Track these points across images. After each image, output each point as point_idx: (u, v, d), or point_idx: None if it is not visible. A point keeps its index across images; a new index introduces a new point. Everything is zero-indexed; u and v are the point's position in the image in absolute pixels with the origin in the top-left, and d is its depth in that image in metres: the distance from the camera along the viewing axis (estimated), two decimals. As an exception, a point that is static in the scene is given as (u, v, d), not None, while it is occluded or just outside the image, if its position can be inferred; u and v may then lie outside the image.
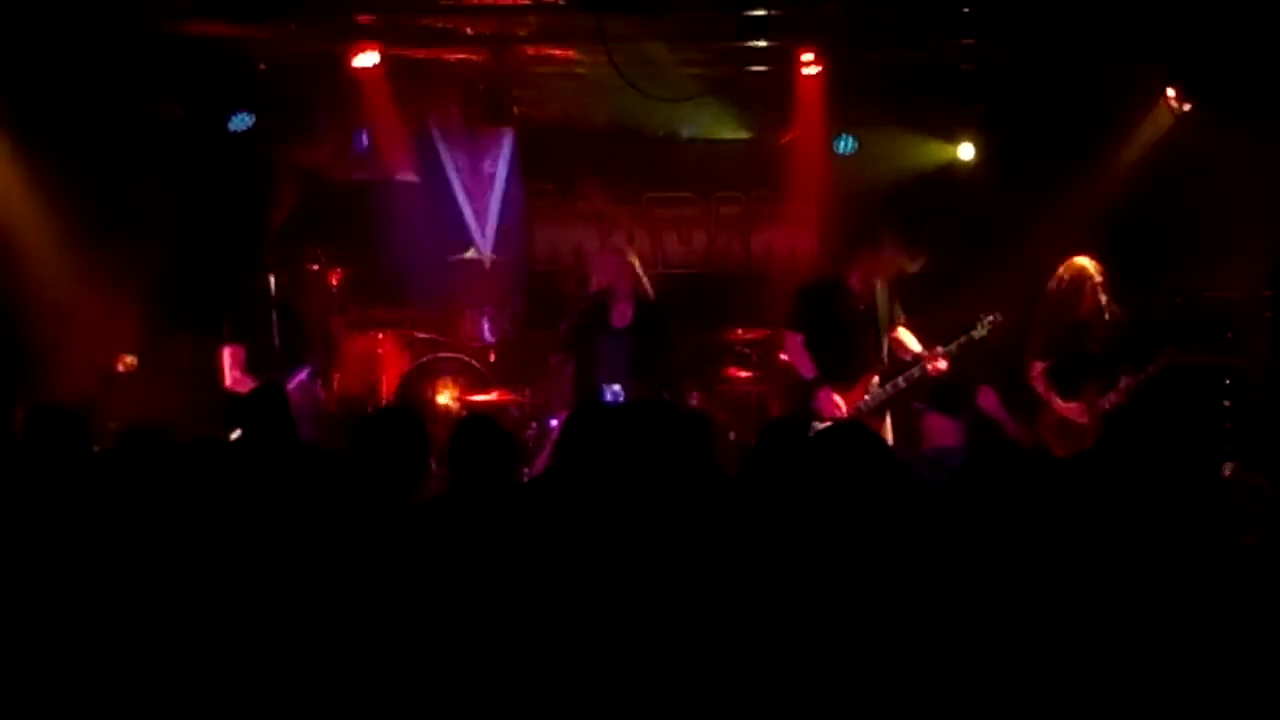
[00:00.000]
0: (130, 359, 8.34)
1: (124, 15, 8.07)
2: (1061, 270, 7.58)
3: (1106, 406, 7.27)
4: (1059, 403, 7.46)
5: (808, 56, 8.94)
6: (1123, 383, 7.26)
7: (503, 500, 4.28)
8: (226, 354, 7.20)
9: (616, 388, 7.62)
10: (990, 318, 7.33)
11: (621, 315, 7.71)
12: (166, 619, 3.60)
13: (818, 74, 9.03)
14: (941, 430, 6.85)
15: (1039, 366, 7.51)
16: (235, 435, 6.82)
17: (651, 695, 3.35)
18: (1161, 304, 8.86)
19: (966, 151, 9.65)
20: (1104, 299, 7.44)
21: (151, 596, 3.65)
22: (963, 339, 7.29)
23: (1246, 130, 8.34)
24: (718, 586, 3.52)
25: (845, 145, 9.61)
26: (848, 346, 7.31)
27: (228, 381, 7.20)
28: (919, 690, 3.19)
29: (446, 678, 3.50)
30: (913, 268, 7.60)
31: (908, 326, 7.56)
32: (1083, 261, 7.54)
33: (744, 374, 9.29)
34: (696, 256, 10.56)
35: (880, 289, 7.48)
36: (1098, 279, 7.46)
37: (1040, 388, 7.48)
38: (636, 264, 7.82)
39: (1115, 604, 3.33)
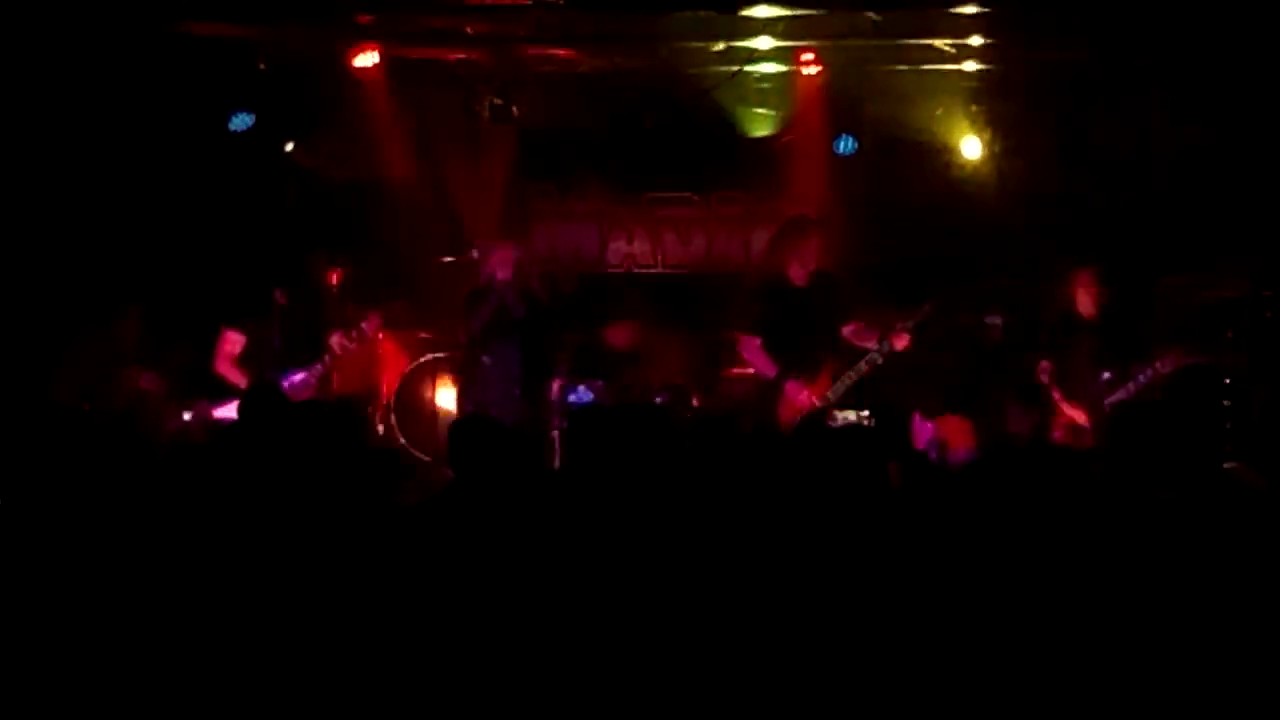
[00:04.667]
0: (151, 376, 8.33)
1: (124, 15, 8.07)
2: (1065, 273, 7.60)
3: (1114, 401, 7.27)
4: (1063, 404, 7.48)
5: (808, 56, 8.95)
6: (1134, 378, 7.26)
7: (503, 498, 4.28)
8: (227, 337, 7.18)
9: (582, 389, 7.65)
10: (939, 297, 7.38)
11: (516, 308, 7.85)
12: (170, 618, 3.61)
13: (818, 74, 9.04)
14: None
15: (1045, 367, 7.53)
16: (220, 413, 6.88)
17: (650, 693, 3.35)
18: (1161, 304, 8.86)
19: (971, 149, 9.61)
20: (1105, 301, 7.45)
21: (156, 594, 3.66)
22: (919, 316, 7.30)
23: (1246, 130, 8.36)
24: (718, 585, 3.53)
25: (845, 145, 9.60)
26: (803, 340, 7.33)
27: (219, 365, 7.18)
28: (919, 687, 3.19)
29: (447, 676, 3.51)
30: (830, 254, 7.63)
31: (860, 321, 7.54)
32: (1085, 264, 7.56)
33: (744, 374, 9.28)
34: (696, 256, 10.56)
35: (824, 279, 7.48)
36: (1100, 281, 7.47)
37: (1048, 388, 7.50)
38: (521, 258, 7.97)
39: (1116, 602, 3.34)
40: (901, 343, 7.21)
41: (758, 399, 7.53)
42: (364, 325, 7.39)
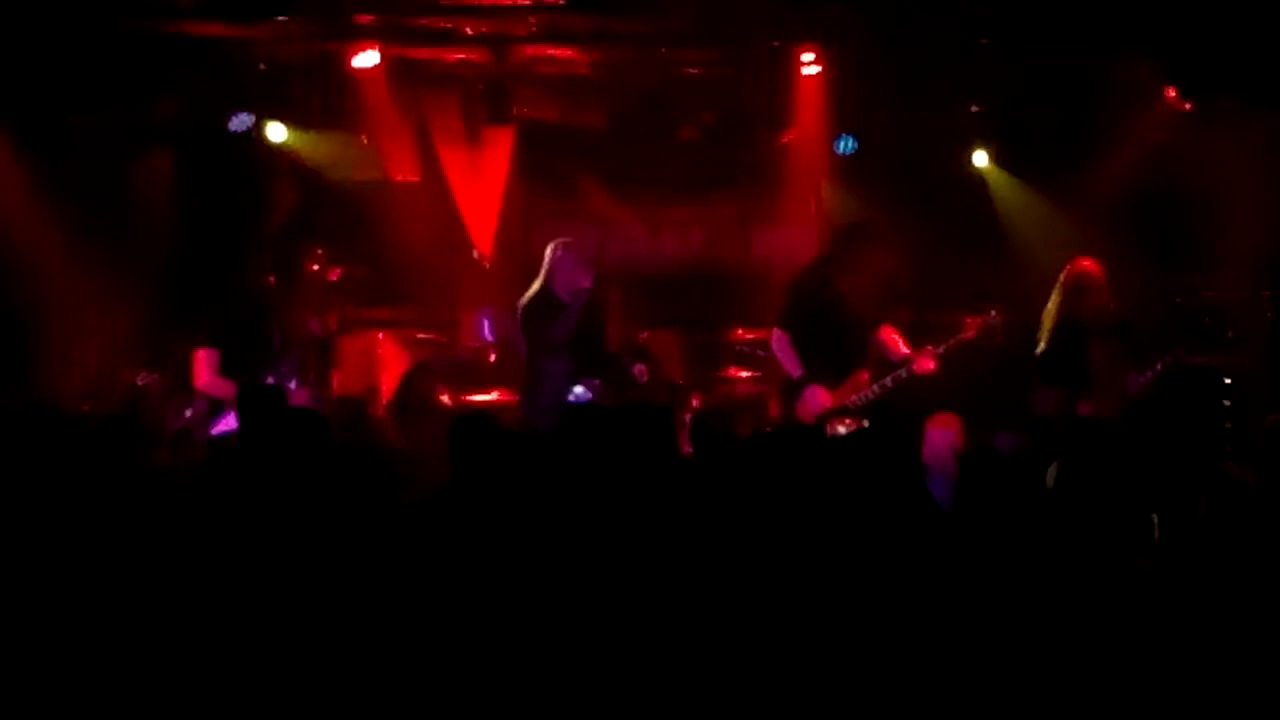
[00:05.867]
0: (147, 374, 8.33)
1: (124, 15, 8.08)
2: (1064, 272, 7.59)
3: (1133, 389, 7.25)
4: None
5: (808, 56, 8.96)
6: (1151, 370, 7.25)
7: (504, 497, 4.28)
8: (200, 356, 7.13)
9: (581, 388, 7.57)
10: (981, 319, 7.32)
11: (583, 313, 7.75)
12: (169, 617, 3.61)
13: (818, 74, 9.04)
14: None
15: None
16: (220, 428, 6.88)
17: (651, 692, 3.35)
18: (1161, 304, 8.86)
19: (980, 159, 9.66)
20: (1106, 301, 7.44)
21: (154, 594, 3.66)
22: (952, 341, 7.26)
23: (1246, 130, 8.36)
24: (717, 584, 3.53)
25: (845, 145, 9.61)
26: (834, 345, 7.28)
27: (199, 383, 7.15)
28: (912, 685, 3.19)
29: (446, 676, 3.51)
30: (897, 268, 7.58)
31: (894, 327, 7.51)
32: (1085, 263, 7.54)
33: (744, 374, 9.29)
34: (696, 256, 10.56)
35: (868, 289, 7.45)
36: (1100, 281, 7.45)
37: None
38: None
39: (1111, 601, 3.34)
40: (926, 368, 7.17)
41: (780, 396, 7.50)
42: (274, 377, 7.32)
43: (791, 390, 7.33)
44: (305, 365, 7.80)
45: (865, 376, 7.29)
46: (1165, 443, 7.01)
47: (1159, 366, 7.22)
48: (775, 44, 8.94)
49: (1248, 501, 3.67)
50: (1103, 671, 3.19)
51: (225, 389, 6.91)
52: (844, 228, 7.75)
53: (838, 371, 7.26)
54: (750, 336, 9.39)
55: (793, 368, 7.34)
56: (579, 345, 7.63)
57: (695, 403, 8.76)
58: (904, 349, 7.31)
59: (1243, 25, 7.89)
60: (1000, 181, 9.69)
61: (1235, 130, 8.47)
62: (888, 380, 7.20)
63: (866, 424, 6.89)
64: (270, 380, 7.02)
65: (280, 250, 8.50)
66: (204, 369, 7.04)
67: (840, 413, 7.12)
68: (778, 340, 7.45)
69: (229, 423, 6.62)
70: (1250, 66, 8.15)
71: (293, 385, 7.25)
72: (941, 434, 5.85)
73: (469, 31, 8.88)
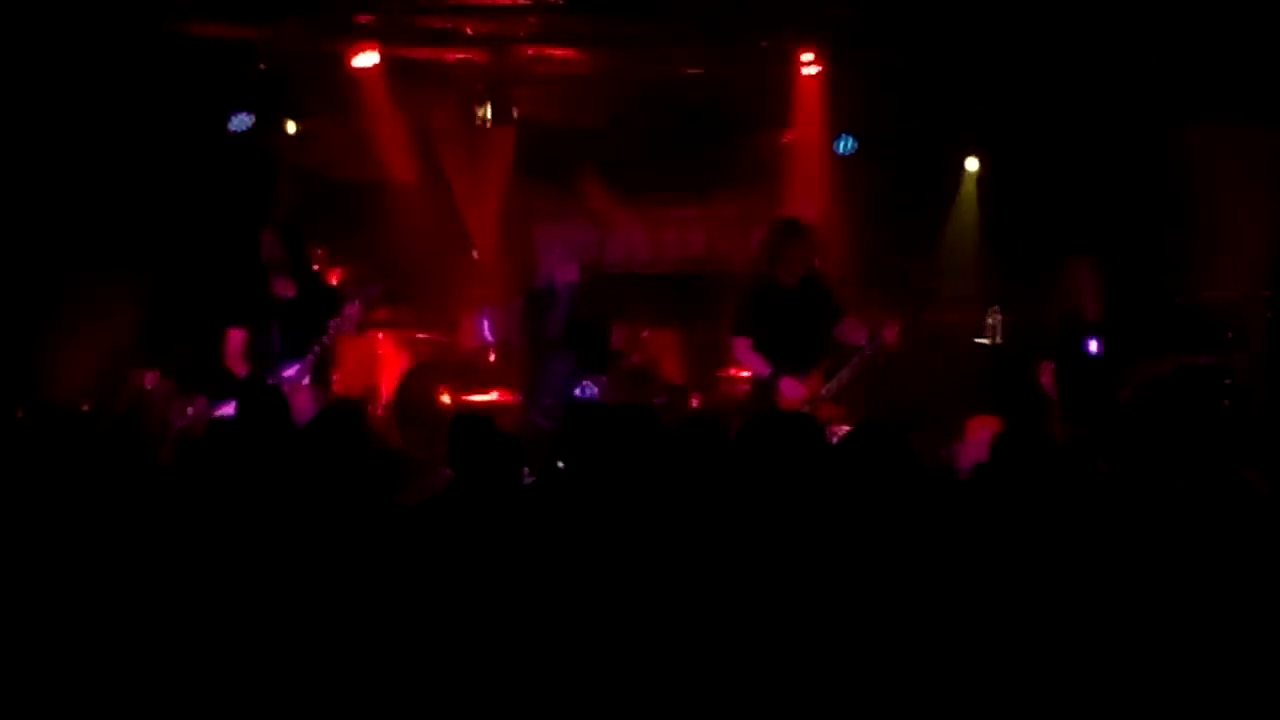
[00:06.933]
0: (155, 375, 8.35)
1: (124, 15, 8.08)
2: (1063, 272, 7.60)
3: (1120, 400, 7.27)
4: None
5: (808, 56, 8.96)
6: (1136, 379, 7.27)
7: (504, 498, 4.28)
8: (230, 336, 7.29)
9: (588, 384, 7.60)
10: (921, 294, 7.38)
11: (580, 310, 7.82)
12: (170, 619, 3.61)
13: (818, 74, 9.04)
14: None
15: (1046, 368, 7.53)
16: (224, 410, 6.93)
17: (652, 694, 3.35)
18: (1161, 304, 8.87)
19: (971, 165, 9.70)
20: (1108, 301, 7.46)
21: (155, 596, 3.66)
22: (908, 310, 7.30)
23: (1246, 132, 8.37)
24: (719, 585, 3.53)
25: (845, 145, 9.61)
26: (793, 340, 7.32)
27: (227, 362, 7.29)
28: (923, 686, 3.19)
29: (447, 676, 3.51)
30: (827, 259, 7.64)
31: (852, 319, 7.53)
32: (1083, 263, 7.56)
33: (744, 374, 9.28)
34: (696, 256, 10.55)
35: (813, 280, 7.48)
36: (1097, 281, 7.47)
37: (1049, 389, 7.50)
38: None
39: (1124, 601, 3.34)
40: (891, 335, 7.20)
41: (754, 398, 7.52)
42: (348, 309, 7.40)
43: (764, 389, 7.35)
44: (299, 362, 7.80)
45: (832, 365, 7.33)
46: (1167, 444, 7.02)
47: (1144, 378, 7.25)
48: (775, 44, 8.94)
49: (1266, 510, 3.68)
50: (1105, 674, 3.20)
51: (245, 370, 7.08)
52: (772, 226, 7.78)
53: (803, 365, 7.29)
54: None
55: (760, 368, 7.39)
56: (579, 342, 7.68)
57: (695, 403, 8.76)
58: (865, 331, 7.34)
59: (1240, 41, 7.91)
60: (968, 198, 9.75)
61: (1235, 132, 8.48)
62: (856, 361, 7.23)
63: (853, 426, 6.92)
64: (267, 380, 7.06)
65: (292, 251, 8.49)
66: (233, 348, 7.20)
67: (819, 400, 7.14)
68: (740, 347, 7.51)
69: (231, 408, 6.68)
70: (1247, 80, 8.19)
71: (305, 381, 7.28)
72: (984, 437, 5.85)
73: (469, 31, 8.88)
